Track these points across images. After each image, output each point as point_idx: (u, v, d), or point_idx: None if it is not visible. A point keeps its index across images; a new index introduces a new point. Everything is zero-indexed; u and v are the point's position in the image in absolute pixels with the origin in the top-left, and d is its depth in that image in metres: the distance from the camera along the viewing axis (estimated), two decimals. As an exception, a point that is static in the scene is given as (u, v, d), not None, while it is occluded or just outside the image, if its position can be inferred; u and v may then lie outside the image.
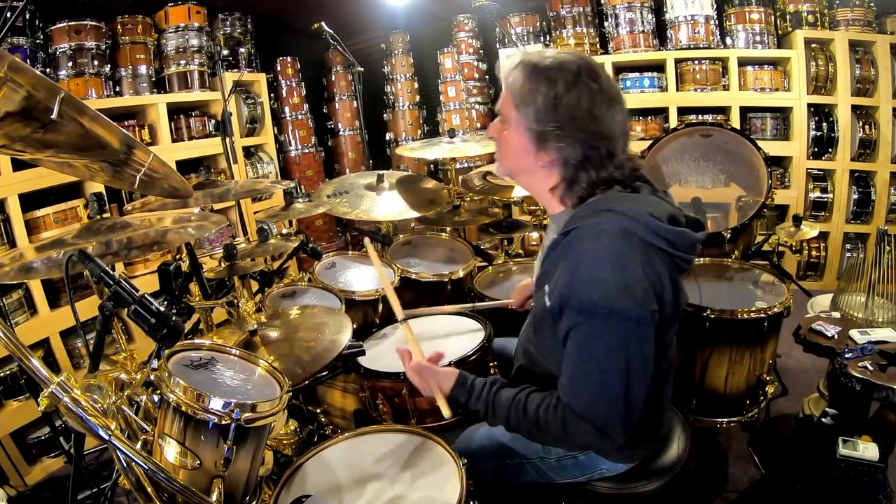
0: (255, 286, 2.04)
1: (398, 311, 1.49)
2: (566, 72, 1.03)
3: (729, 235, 2.25)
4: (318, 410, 1.84)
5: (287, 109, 4.10)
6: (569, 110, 1.03)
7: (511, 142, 1.13)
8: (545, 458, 1.25)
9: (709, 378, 1.92)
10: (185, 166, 3.18)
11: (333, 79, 4.31)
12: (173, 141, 3.14)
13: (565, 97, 1.02)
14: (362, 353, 1.53)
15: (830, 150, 3.51)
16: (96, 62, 2.95)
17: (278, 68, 4.07)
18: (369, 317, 2.00)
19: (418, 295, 2.17)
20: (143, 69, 3.15)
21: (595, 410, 1.01)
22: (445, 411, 1.16)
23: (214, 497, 0.92)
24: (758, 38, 3.59)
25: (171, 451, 0.93)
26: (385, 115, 4.42)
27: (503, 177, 1.28)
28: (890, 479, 1.64)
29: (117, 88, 3.10)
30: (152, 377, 1.05)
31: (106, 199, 2.05)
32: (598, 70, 1.06)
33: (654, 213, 1.03)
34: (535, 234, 3.82)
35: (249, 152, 3.74)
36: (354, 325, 1.54)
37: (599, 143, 1.05)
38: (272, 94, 3.99)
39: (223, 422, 0.91)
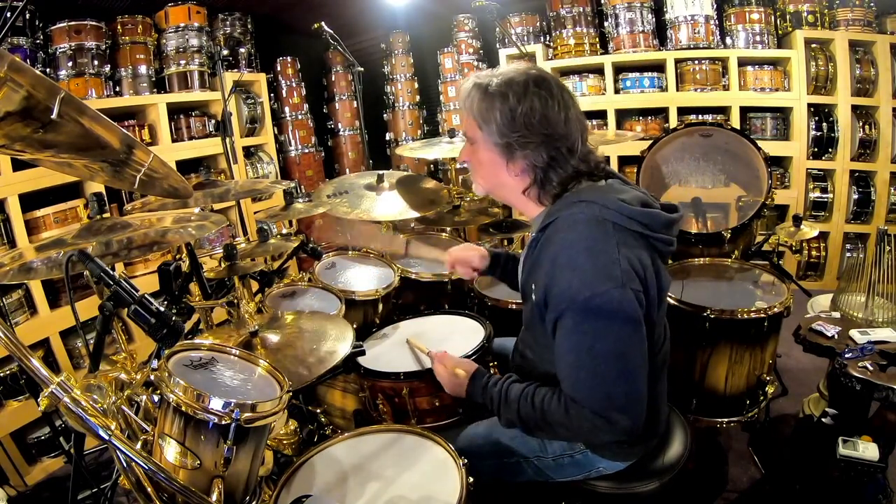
0: (255, 286, 2.04)
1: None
2: (515, 84, 1.11)
3: (729, 235, 2.25)
4: (318, 410, 1.84)
5: (287, 109, 4.10)
6: (525, 118, 1.10)
7: (483, 160, 1.19)
8: (542, 456, 1.26)
9: (709, 378, 1.92)
10: (185, 166, 3.19)
11: (333, 79, 4.31)
12: (173, 141, 3.14)
13: (519, 107, 1.10)
14: (362, 352, 1.53)
15: (830, 150, 3.51)
16: (96, 62, 2.95)
17: (278, 68, 4.07)
18: (369, 317, 2.00)
19: (418, 295, 2.17)
20: (143, 69, 3.16)
21: (594, 394, 1.03)
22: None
23: (214, 497, 0.92)
24: (758, 38, 3.59)
25: (171, 451, 0.93)
26: (385, 115, 4.42)
27: (482, 195, 1.34)
28: (890, 479, 1.64)
29: (117, 88, 3.11)
30: (152, 377, 1.05)
31: (106, 199, 2.05)
32: (545, 77, 1.14)
33: (625, 199, 1.09)
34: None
35: (249, 152, 3.74)
36: (354, 326, 1.54)
37: (560, 143, 1.12)
38: (272, 94, 3.99)
39: (223, 422, 0.91)
